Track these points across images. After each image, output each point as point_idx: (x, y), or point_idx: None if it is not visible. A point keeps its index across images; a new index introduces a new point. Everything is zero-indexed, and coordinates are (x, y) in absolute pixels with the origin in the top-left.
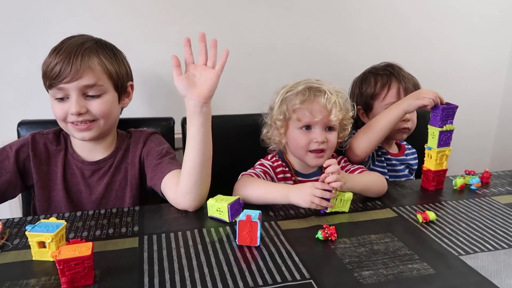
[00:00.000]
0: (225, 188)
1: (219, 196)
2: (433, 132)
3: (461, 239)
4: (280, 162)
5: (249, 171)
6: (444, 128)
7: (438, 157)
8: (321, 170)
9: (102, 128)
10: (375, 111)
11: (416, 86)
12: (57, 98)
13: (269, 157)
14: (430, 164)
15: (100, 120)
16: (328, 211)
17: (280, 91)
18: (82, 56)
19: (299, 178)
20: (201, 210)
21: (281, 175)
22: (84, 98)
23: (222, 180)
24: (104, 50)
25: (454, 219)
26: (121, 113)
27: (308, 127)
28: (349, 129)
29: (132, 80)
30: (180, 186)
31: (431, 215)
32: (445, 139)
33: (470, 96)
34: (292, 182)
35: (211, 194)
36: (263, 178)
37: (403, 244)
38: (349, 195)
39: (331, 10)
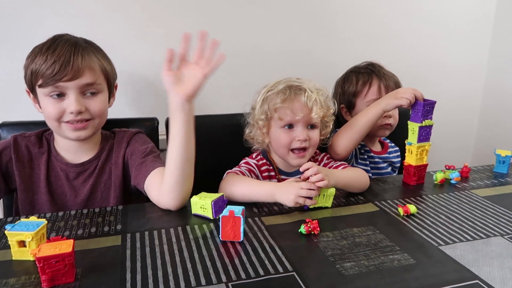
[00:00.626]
0: (211, 186)
1: (203, 194)
2: (413, 128)
3: (440, 230)
4: (264, 161)
5: (234, 169)
6: (424, 124)
7: (418, 152)
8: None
9: (96, 127)
10: (358, 109)
11: (397, 84)
12: (51, 96)
13: (254, 155)
14: (411, 159)
15: (95, 119)
16: (311, 206)
17: (261, 91)
18: (82, 55)
19: (283, 177)
20: (185, 208)
21: (265, 173)
22: (82, 97)
23: (207, 178)
24: (97, 50)
25: (434, 211)
26: None
27: (290, 126)
28: (331, 126)
29: (116, 80)
30: (163, 185)
31: (412, 208)
32: (424, 134)
33: (451, 96)
34: (276, 180)
35: (196, 192)
36: (248, 176)
37: (384, 236)
38: (331, 191)
39: (315, 12)
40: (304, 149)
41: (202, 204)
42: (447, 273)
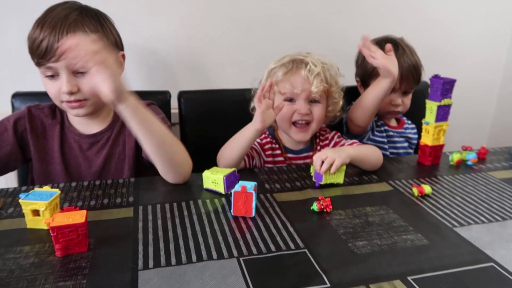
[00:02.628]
0: None
1: (215, 168)
2: (431, 107)
3: (455, 211)
4: (269, 139)
5: None
6: (442, 103)
7: (435, 132)
8: (312, 146)
9: (94, 105)
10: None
11: (417, 68)
12: (47, 76)
13: None
14: (427, 139)
15: (91, 98)
16: (322, 183)
17: (269, 65)
18: (67, 33)
19: (289, 155)
20: (197, 182)
21: (269, 152)
22: (75, 76)
23: (217, 154)
24: (90, 22)
25: (449, 193)
26: None
27: (291, 100)
28: (340, 102)
29: (122, 49)
30: (158, 169)
31: (427, 189)
32: (443, 114)
33: (469, 74)
34: (282, 158)
35: (208, 167)
36: (249, 153)
37: (398, 216)
38: (342, 166)
39: None
40: (307, 123)
41: (214, 178)
42: (461, 255)
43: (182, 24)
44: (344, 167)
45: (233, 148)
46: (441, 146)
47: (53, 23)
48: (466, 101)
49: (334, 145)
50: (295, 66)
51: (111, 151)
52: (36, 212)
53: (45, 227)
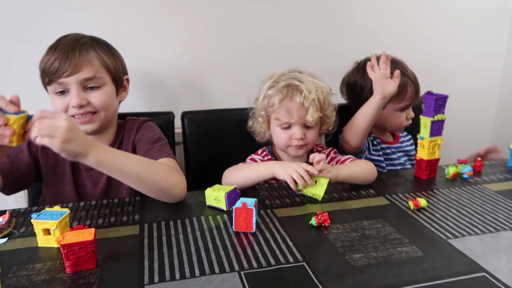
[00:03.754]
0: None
1: (217, 186)
2: (425, 122)
3: (450, 224)
4: (269, 157)
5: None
6: (436, 118)
7: (430, 146)
8: (308, 162)
9: (103, 120)
10: (386, 111)
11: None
12: (57, 93)
13: (259, 151)
14: (422, 153)
15: (100, 112)
16: (300, 191)
17: (266, 83)
18: (80, 51)
19: None
20: (200, 199)
21: None
22: (84, 91)
23: (219, 172)
24: (100, 45)
25: (445, 205)
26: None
27: (287, 126)
28: (333, 120)
29: (127, 74)
30: None
31: (422, 202)
32: (437, 129)
33: (467, 89)
34: None
35: (210, 185)
36: None
37: (394, 229)
38: (323, 180)
39: (329, 6)
40: (301, 145)
41: (216, 196)
42: (454, 265)
43: (184, 47)
44: (327, 183)
45: (246, 178)
46: (437, 160)
47: (66, 45)
48: (465, 115)
49: (330, 161)
50: (290, 93)
51: None
52: (47, 231)
53: (56, 245)
